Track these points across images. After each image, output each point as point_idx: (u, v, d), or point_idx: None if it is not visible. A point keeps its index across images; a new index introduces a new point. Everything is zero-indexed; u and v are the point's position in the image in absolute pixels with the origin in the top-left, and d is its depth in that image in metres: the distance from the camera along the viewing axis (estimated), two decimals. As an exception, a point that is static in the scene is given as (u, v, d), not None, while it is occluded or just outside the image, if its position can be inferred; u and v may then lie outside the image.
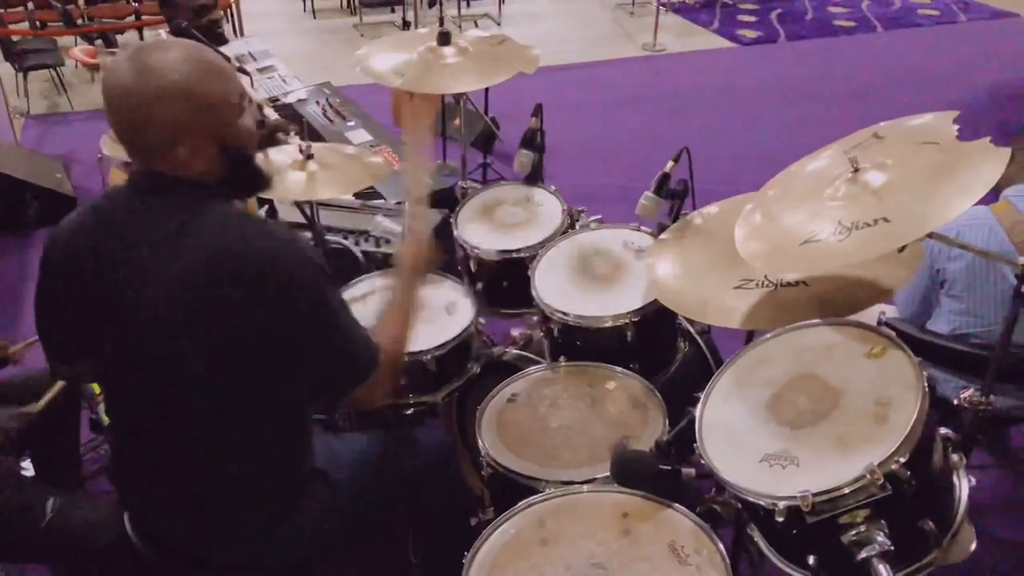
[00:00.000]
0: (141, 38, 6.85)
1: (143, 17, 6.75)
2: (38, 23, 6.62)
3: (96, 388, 2.17)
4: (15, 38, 6.00)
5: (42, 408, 1.91)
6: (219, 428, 1.44)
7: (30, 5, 6.61)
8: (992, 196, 2.16)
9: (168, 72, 1.30)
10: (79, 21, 6.58)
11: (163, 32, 3.28)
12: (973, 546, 1.37)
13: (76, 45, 6.17)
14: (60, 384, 1.96)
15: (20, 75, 5.77)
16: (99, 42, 6.45)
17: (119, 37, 6.69)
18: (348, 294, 2.22)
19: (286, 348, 1.38)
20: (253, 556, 1.56)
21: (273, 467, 1.52)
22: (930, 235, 1.37)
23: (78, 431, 2.24)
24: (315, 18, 7.90)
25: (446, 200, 3.24)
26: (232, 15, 6.68)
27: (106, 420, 2.16)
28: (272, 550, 1.56)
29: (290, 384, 1.44)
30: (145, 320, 1.36)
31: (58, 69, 5.94)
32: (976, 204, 1.32)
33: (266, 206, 2.59)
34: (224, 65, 1.39)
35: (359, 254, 2.73)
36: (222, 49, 3.05)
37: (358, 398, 1.49)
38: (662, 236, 2.05)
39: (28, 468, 2.22)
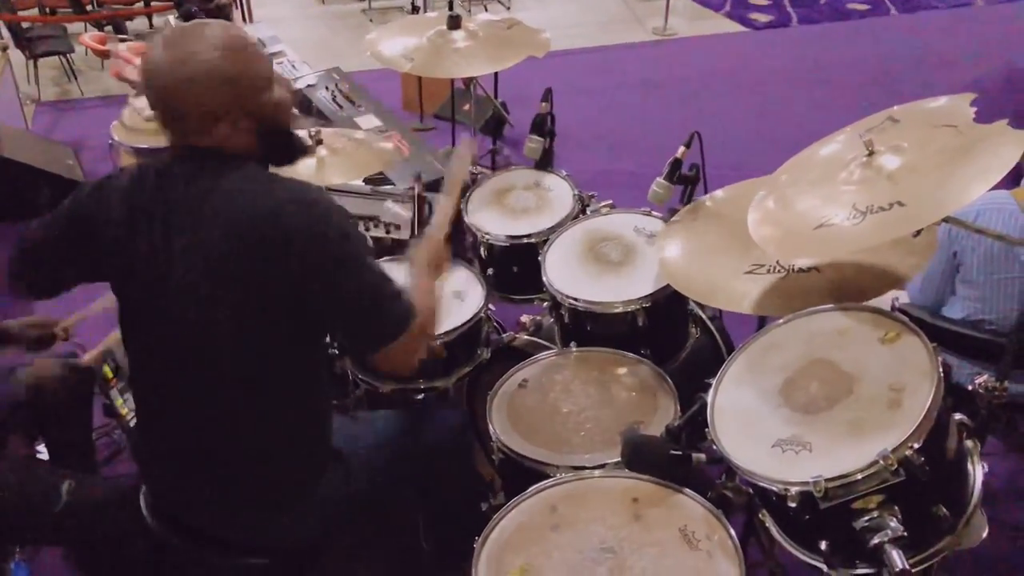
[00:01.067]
0: (150, 25, 6.84)
1: (152, 3, 6.74)
2: (48, 10, 6.62)
3: (109, 373, 2.18)
4: (25, 25, 6.00)
5: (91, 360, 1.92)
6: (243, 399, 1.46)
7: (40, -8, 6.62)
8: (1012, 181, 2.13)
9: (205, 52, 1.35)
10: (89, 8, 6.58)
11: (172, 18, 3.27)
12: (985, 532, 1.37)
13: (86, 32, 6.17)
14: (111, 338, 1.97)
15: (30, 62, 5.77)
16: (109, 28, 6.44)
17: (128, 23, 6.68)
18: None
19: (315, 303, 1.40)
20: (268, 535, 1.57)
21: (294, 444, 1.53)
22: (946, 219, 1.36)
23: (91, 416, 2.26)
24: (324, 3, 7.87)
25: (456, 186, 3.22)
26: (241, 1, 6.66)
27: (119, 402, 2.17)
28: (287, 529, 1.57)
29: (316, 343, 1.51)
30: (176, 280, 1.40)
31: (68, 56, 5.94)
32: (999, 188, 1.30)
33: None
34: (253, 41, 1.44)
35: (369, 240, 2.72)
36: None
37: (390, 358, 1.47)
38: (674, 218, 2.03)
39: (43, 452, 2.24)
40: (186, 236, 1.39)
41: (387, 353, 1.46)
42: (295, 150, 1.55)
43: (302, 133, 2.26)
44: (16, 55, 5.55)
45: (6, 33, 5.94)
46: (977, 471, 1.36)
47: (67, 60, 5.97)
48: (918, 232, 1.42)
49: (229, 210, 1.37)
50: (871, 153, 1.46)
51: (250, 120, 1.41)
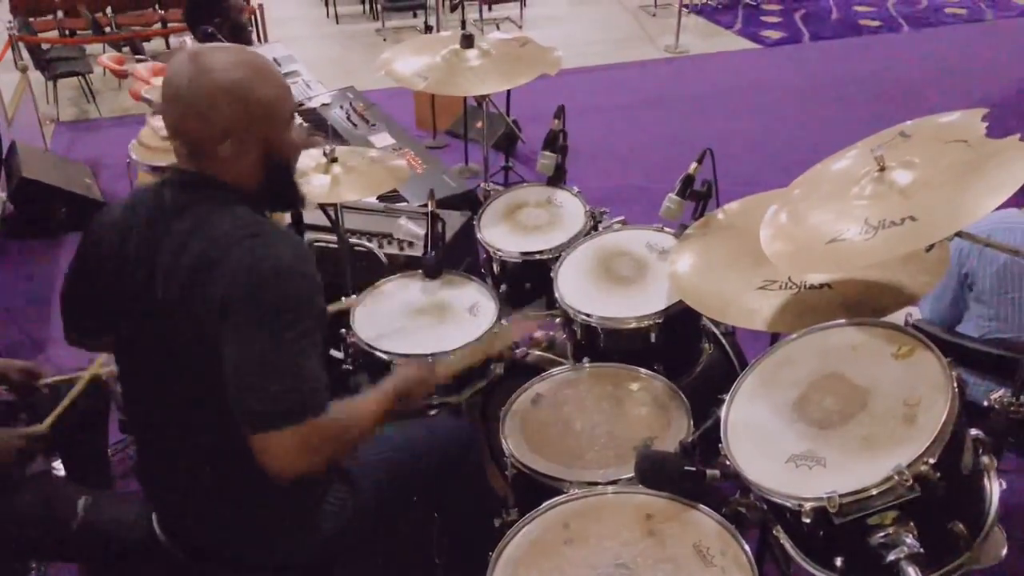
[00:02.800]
0: (167, 45, 6.95)
1: (169, 25, 6.84)
2: (67, 31, 6.73)
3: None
4: (45, 46, 6.10)
5: (50, 425, 1.91)
6: (238, 427, 1.45)
7: (59, 14, 6.73)
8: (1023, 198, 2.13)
9: (229, 70, 1.36)
10: (107, 29, 6.68)
11: (188, 39, 3.32)
12: (1004, 551, 1.35)
13: (104, 53, 6.26)
14: (68, 399, 1.96)
15: (50, 83, 5.87)
16: (126, 49, 6.54)
17: (146, 44, 6.78)
18: (372, 294, 2.24)
19: (220, 349, 1.31)
20: (276, 553, 1.57)
21: None
22: (959, 234, 1.36)
23: (107, 431, 2.27)
24: (338, 23, 7.97)
25: (468, 202, 3.25)
26: (256, 21, 6.75)
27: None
28: (295, 547, 1.57)
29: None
30: (160, 313, 1.40)
31: (87, 76, 6.04)
32: (1009, 207, 1.30)
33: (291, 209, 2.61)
34: (281, 78, 1.44)
35: (382, 256, 2.75)
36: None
37: (266, 450, 1.29)
38: (686, 232, 2.04)
39: (59, 468, 2.26)
40: (167, 263, 1.38)
41: (263, 443, 1.28)
42: (294, 197, 1.53)
43: (316, 152, 2.30)
44: (36, 76, 5.65)
45: (26, 54, 6.04)
46: (994, 487, 1.35)
47: (86, 81, 6.06)
48: (930, 247, 1.42)
49: (204, 243, 1.35)
50: (883, 168, 1.47)
51: (258, 147, 1.40)
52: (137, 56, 5.99)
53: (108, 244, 1.48)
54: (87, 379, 2.02)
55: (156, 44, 7.04)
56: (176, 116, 1.39)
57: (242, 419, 1.30)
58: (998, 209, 1.32)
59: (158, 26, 6.94)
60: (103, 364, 2.05)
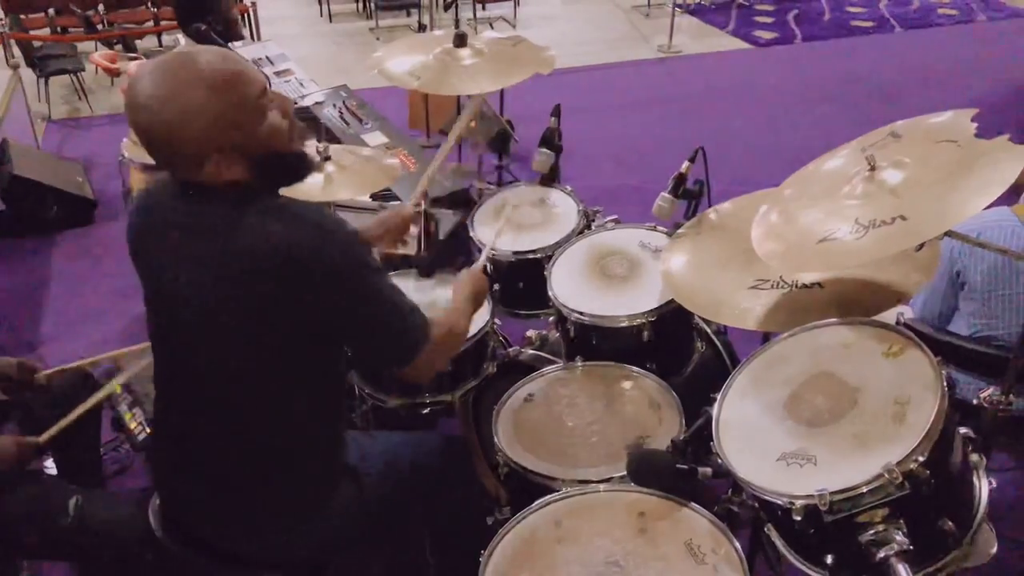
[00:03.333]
0: (160, 43, 6.93)
1: (162, 23, 6.82)
2: (59, 29, 6.70)
3: (118, 388, 2.19)
4: (36, 43, 6.08)
5: (47, 440, 1.90)
6: (258, 417, 1.47)
7: (51, 11, 6.70)
8: (1014, 197, 2.14)
9: (191, 90, 1.30)
10: (99, 27, 6.66)
11: (181, 36, 3.31)
12: (994, 549, 1.36)
13: (96, 50, 6.24)
14: (69, 419, 1.94)
15: (41, 80, 5.85)
16: (119, 47, 6.52)
17: (138, 42, 6.76)
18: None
19: (333, 331, 1.44)
20: (279, 549, 1.57)
21: (309, 460, 1.54)
22: (948, 233, 1.36)
23: (99, 430, 2.27)
24: (331, 22, 7.95)
25: (461, 201, 3.25)
26: (249, 19, 6.73)
27: (127, 417, 2.18)
28: (299, 544, 1.57)
29: (334, 364, 1.54)
30: (190, 318, 1.41)
31: (78, 74, 6.02)
32: (999, 205, 1.31)
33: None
34: (243, 69, 1.37)
35: (376, 255, 2.74)
36: (239, 48, 3.07)
37: (412, 371, 1.53)
38: (678, 231, 2.05)
39: (51, 467, 2.25)
40: (192, 269, 1.39)
41: (414, 368, 1.52)
42: (294, 170, 1.50)
43: (309, 149, 2.30)
44: (27, 74, 5.62)
45: (17, 52, 6.02)
46: (983, 485, 1.36)
47: (77, 78, 6.04)
48: (920, 246, 1.43)
49: (241, 243, 1.35)
50: (873, 168, 1.47)
51: (239, 154, 1.37)
52: (129, 54, 5.97)
53: (133, 251, 1.53)
54: (95, 402, 2.00)
55: (148, 42, 7.02)
56: (150, 147, 1.37)
57: (388, 364, 1.58)
58: (989, 207, 1.33)
59: (150, 24, 6.92)
60: (100, 399, 2.03)
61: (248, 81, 1.37)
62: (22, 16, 6.44)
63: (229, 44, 3.02)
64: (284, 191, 1.48)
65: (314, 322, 1.40)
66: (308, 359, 1.46)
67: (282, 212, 1.38)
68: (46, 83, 5.85)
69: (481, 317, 2.15)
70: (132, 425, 2.18)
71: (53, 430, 1.90)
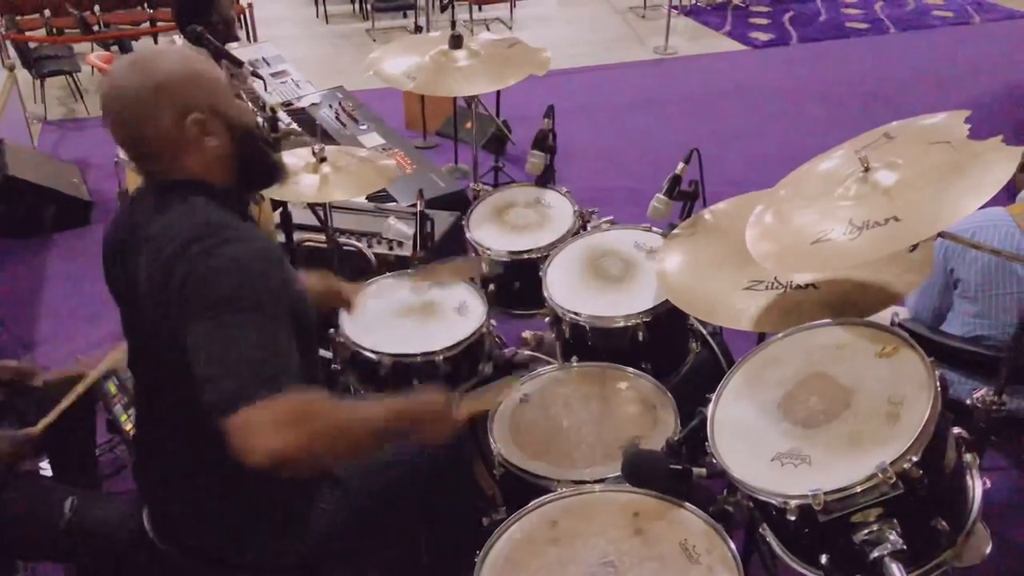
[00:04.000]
0: (156, 44, 6.91)
1: (158, 24, 6.81)
2: (55, 30, 6.69)
3: (113, 389, 2.19)
4: (32, 44, 6.07)
5: (41, 431, 1.89)
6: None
7: (47, 12, 6.68)
8: (1009, 197, 2.15)
9: (160, 66, 1.36)
10: (95, 28, 6.64)
11: (177, 38, 3.31)
12: (988, 549, 1.37)
13: (92, 51, 6.23)
14: (61, 407, 1.95)
15: (37, 81, 5.83)
16: (115, 48, 6.51)
17: (134, 43, 6.75)
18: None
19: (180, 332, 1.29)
20: (267, 554, 1.57)
21: None
22: (941, 234, 1.37)
23: (94, 432, 2.26)
24: (327, 23, 7.95)
25: (457, 202, 3.25)
26: (245, 21, 6.73)
27: (122, 418, 2.18)
28: (285, 548, 1.57)
29: (305, 370, 1.36)
30: (147, 321, 1.40)
31: (74, 75, 6.01)
32: (993, 205, 1.31)
33: (280, 208, 2.61)
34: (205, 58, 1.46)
35: (371, 256, 2.75)
36: (235, 49, 3.07)
37: (232, 434, 1.20)
38: (673, 232, 2.05)
39: (46, 468, 2.24)
40: (142, 268, 1.38)
41: (232, 425, 1.20)
42: (273, 170, 1.50)
43: (305, 152, 2.30)
44: (23, 75, 5.61)
45: (13, 53, 6.01)
46: (976, 485, 1.36)
47: (73, 80, 6.03)
48: (914, 247, 1.44)
49: (155, 246, 1.34)
50: (867, 169, 1.48)
51: (221, 121, 1.39)
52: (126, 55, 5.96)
53: (107, 249, 1.52)
54: (81, 390, 2.00)
55: (145, 43, 7.01)
56: (130, 128, 1.37)
57: (210, 409, 1.22)
58: (983, 207, 1.34)
59: (146, 25, 6.91)
60: (89, 384, 2.04)
61: (205, 62, 1.44)
62: (18, 17, 6.43)
63: (225, 45, 3.01)
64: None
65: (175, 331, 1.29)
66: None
67: (199, 214, 1.35)
68: (42, 84, 5.84)
69: (477, 318, 2.15)
70: (127, 427, 2.18)
71: (49, 418, 1.90)
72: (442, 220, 2.86)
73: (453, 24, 3.77)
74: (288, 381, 1.22)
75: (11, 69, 5.12)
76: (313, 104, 4.27)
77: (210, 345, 1.23)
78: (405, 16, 7.82)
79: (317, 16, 8.07)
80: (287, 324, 1.30)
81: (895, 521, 1.24)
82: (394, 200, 3.30)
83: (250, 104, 1.48)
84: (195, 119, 1.37)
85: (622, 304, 2.03)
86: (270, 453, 1.18)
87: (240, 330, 1.23)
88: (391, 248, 2.78)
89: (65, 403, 1.94)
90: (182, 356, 1.28)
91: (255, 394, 1.19)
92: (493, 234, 2.40)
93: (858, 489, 1.22)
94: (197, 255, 1.28)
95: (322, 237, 2.56)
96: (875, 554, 1.22)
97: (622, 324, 1.99)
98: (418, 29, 7.10)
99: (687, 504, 1.50)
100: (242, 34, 6.28)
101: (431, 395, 1.45)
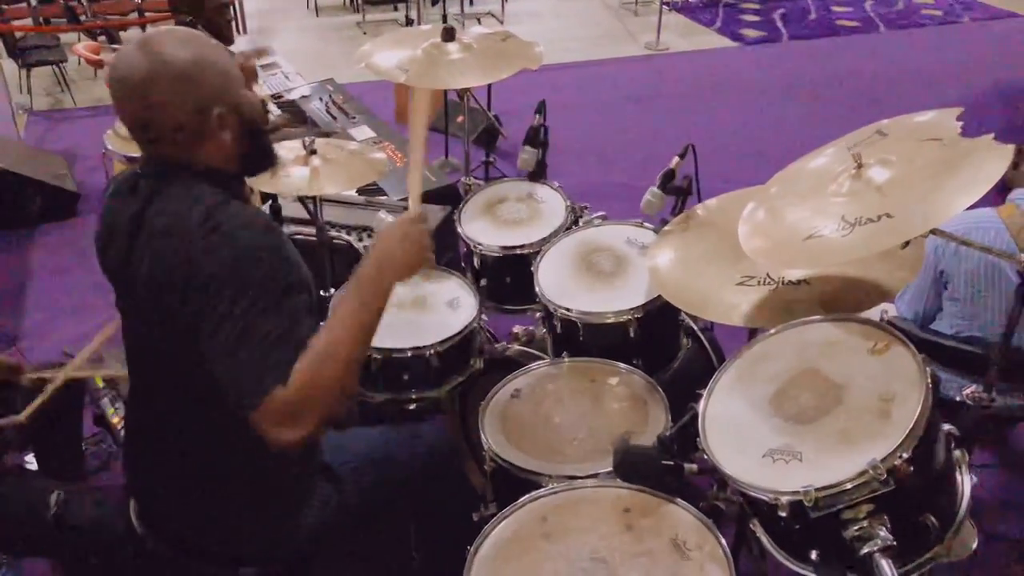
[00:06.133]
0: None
1: (146, 14, 6.75)
2: (41, 19, 6.62)
3: (100, 382, 2.18)
4: (18, 34, 6.00)
5: (28, 416, 1.88)
6: (224, 421, 1.44)
7: (33, 1, 6.62)
8: (999, 198, 2.16)
9: (179, 50, 1.33)
10: (82, 17, 6.58)
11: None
12: (975, 544, 1.37)
13: (79, 41, 6.17)
14: (48, 392, 1.93)
15: (23, 71, 5.78)
16: (102, 38, 6.45)
17: (122, 33, 6.69)
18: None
19: (199, 334, 1.28)
20: (258, 548, 1.57)
21: (280, 459, 1.52)
22: (933, 231, 1.37)
23: (80, 425, 2.25)
24: (318, 16, 7.91)
25: (449, 197, 3.24)
26: (236, 13, 6.68)
27: (109, 412, 2.17)
28: (277, 541, 1.57)
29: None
30: (138, 302, 1.40)
31: (61, 65, 5.95)
32: (984, 207, 1.32)
33: (270, 201, 2.59)
34: (216, 43, 1.42)
35: (362, 250, 2.74)
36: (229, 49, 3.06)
37: (259, 425, 1.24)
38: (665, 228, 2.05)
39: (31, 462, 2.23)
40: (140, 256, 1.38)
41: (260, 415, 1.23)
42: (271, 154, 1.51)
43: (295, 143, 2.29)
44: (9, 64, 5.55)
45: (-1, 43, 5.94)
46: (966, 481, 1.37)
47: (60, 70, 5.97)
48: (906, 244, 1.44)
49: (160, 232, 1.34)
50: (859, 166, 1.48)
51: (233, 115, 1.39)
52: (113, 45, 5.90)
53: (100, 236, 1.49)
54: (63, 380, 1.99)
55: (133, 33, 6.94)
56: (143, 112, 1.34)
57: (234, 404, 1.24)
58: (974, 208, 1.34)
59: (134, 15, 6.85)
60: (78, 368, 2.03)
61: (224, 52, 1.42)
62: (4, 6, 6.36)
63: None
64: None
65: (189, 323, 1.30)
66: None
67: (222, 203, 1.35)
68: (28, 74, 5.78)
69: (468, 313, 2.15)
70: (115, 420, 2.17)
71: (35, 404, 1.88)
72: (433, 214, 2.85)
73: (444, 18, 3.76)
74: (295, 361, 1.23)
75: (-3, 59, 5.07)
76: (303, 97, 4.25)
77: (228, 338, 1.24)
78: (396, 9, 7.79)
79: (308, 8, 8.02)
80: (307, 300, 1.33)
81: (885, 517, 1.24)
82: (385, 194, 3.28)
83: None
84: (219, 114, 1.37)
85: (613, 300, 2.03)
86: (302, 439, 1.24)
87: (263, 317, 1.24)
88: (382, 242, 2.77)
89: (51, 389, 1.92)
90: (186, 344, 1.29)
91: (272, 384, 1.21)
92: (485, 229, 2.39)
93: (849, 485, 1.22)
94: (217, 242, 1.28)
95: (312, 230, 2.54)
96: (865, 550, 1.22)
97: (613, 320, 1.99)
98: (409, 22, 7.07)
99: (678, 500, 1.49)
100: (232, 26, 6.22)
101: (378, 240, 1.41)
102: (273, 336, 1.24)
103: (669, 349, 2.13)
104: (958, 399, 1.59)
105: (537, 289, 2.11)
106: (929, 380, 1.29)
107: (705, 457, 1.41)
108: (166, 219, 1.35)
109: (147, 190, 1.40)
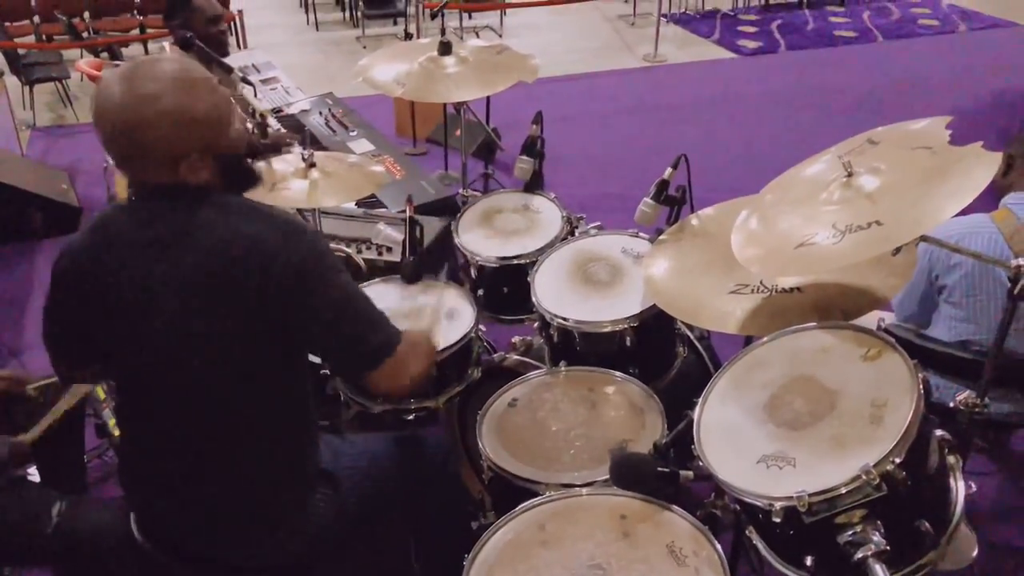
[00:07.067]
0: (146, 51, 6.90)
1: (148, 31, 6.80)
2: (44, 36, 6.67)
3: (102, 394, 2.19)
4: (21, 51, 6.05)
5: (35, 438, 1.89)
6: (226, 424, 1.46)
7: (36, 18, 6.67)
8: (993, 203, 2.17)
9: (166, 94, 1.34)
10: (84, 35, 6.63)
11: (167, 45, 3.31)
12: (975, 553, 1.38)
13: (82, 58, 6.22)
14: (56, 413, 1.95)
15: (26, 88, 5.82)
16: (104, 55, 6.49)
17: (124, 50, 6.74)
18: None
19: (296, 329, 1.42)
20: (258, 557, 1.57)
21: (280, 466, 1.54)
22: (923, 238, 1.39)
23: (83, 436, 2.26)
24: (318, 30, 7.96)
25: (447, 209, 3.26)
26: (236, 28, 6.73)
27: (111, 423, 2.18)
28: (277, 551, 1.57)
29: (299, 366, 1.52)
30: (160, 324, 1.40)
31: (64, 82, 5.99)
32: (977, 212, 1.33)
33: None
34: (209, 75, 1.43)
35: (361, 262, 2.75)
36: (225, 61, 3.08)
37: (381, 379, 1.49)
38: (660, 237, 2.07)
39: (33, 473, 2.23)
40: (165, 271, 1.39)
41: (377, 375, 1.47)
42: (252, 177, 1.55)
43: (294, 156, 2.31)
44: (12, 81, 5.59)
45: (1, 59, 5.98)
46: (959, 487, 1.37)
47: (63, 86, 6.01)
48: (897, 250, 1.45)
49: (210, 241, 1.38)
50: (850, 174, 1.50)
51: (208, 157, 1.41)
52: (115, 61, 5.95)
53: (82, 271, 1.46)
54: (73, 402, 2.00)
55: (135, 50, 6.99)
56: (120, 149, 1.38)
57: (358, 367, 1.50)
58: (964, 214, 1.36)
59: (136, 32, 6.90)
60: (75, 394, 2.03)
61: (215, 86, 1.42)
62: (7, 23, 6.41)
63: (220, 60, 3.02)
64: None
65: (276, 321, 1.40)
66: (274, 364, 1.46)
67: (250, 212, 1.43)
68: (31, 90, 5.82)
69: (466, 323, 2.16)
70: (116, 432, 2.17)
71: (38, 429, 1.89)
72: (431, 226, 2.87)
73: (443, 31, 3.79)
74: (396, 329, 1.50)
75: (0, 75, 5.11)
76: (303, 110, 4.28)
77: (345, 308, 1.44)
78: (395, 23, 7.84)
79: (307, 23, 8.08)
80: None
81: (879, 522, 1.24)
82: (384, 206, 3.30)
83: (243, 114, 1.48)
84: (188, 164, 1.39)
85: (610, 309, 2.04)
86: (413, 381, 1.51)
87: (352, 293, 1.47)
88: (380, 253, 2.79)
89: (53, 416, 1.93)
90: (226, 348, 1.40)
91: (390, 345, 1.47)
92: (481, 239, 2.41)
93: (842, 490, 1.23)
94: (274, 241, 1.38)
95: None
96: (859, 555, 1.22)
97: (610, 329, 2.00)
98: (408, 36, 7.12)
99: (674, 507, 1.50)
100: (232, 41, 6.27)
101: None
102: (370, 303, 1.49)
103: (665, 357, 2.14)
104: (951, 405, 1.60)
105: (534, 299, 2.12)
106: (921, 386, 1.29)
107: (701, 464, 1.42)
108: (221, 226, 1.40)
109: (152, 214, 1.42)
